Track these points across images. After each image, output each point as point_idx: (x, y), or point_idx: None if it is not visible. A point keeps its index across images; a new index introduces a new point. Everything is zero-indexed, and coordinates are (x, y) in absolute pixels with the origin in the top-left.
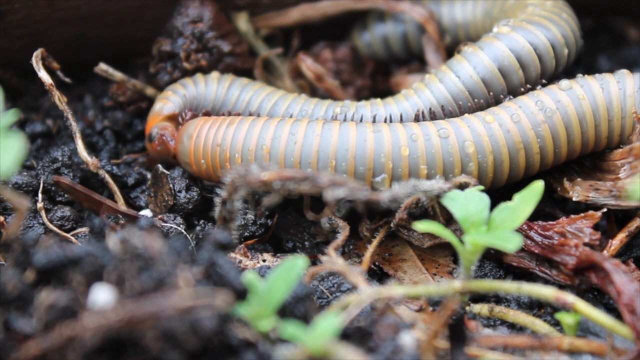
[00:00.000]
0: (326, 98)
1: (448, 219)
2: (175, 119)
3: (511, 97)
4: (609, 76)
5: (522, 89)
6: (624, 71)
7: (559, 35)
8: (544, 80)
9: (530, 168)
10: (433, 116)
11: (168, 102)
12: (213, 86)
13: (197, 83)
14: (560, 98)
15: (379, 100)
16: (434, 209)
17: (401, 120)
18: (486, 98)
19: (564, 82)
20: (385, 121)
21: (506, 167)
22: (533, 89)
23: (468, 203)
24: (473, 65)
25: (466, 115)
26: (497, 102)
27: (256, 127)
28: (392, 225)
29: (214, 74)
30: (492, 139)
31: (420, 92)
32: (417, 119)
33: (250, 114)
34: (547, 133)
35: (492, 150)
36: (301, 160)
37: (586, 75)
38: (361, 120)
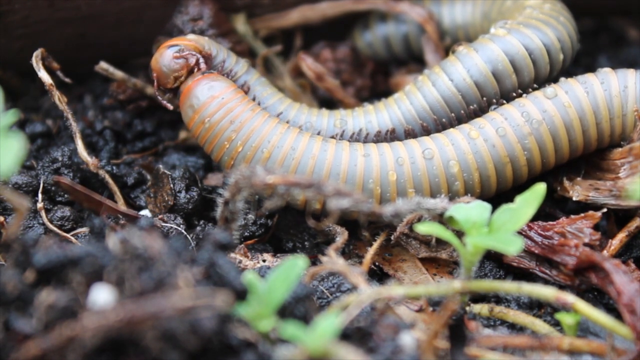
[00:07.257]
0: (326, 99)
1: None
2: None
3: (503, 101)
4: (592, 78)
5: (514, 94)
6: (607, 70)
7: (555, 39)
8: (535, 85)
9: (518, 179)
10: (426, 121)
11: (204, 41)
12: (243, 67)
13: (229, 54)
14: (546, 107)
15: (371, 107)
16: None
17: (393, 132)
18: (478, 101)
19: (549, 90)
20: (377, 134)
21: (493, 181)
22: (524, 93)
23: (470, 206)
24: (467, 68)
25: (451, 130)
26: (489, 104)
27: (266, 128)
28: (392, 238)
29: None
30: (477, 155)
31: (411, 95)
32: (407, 135)
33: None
34: (534, 145)
35: (477, 167)
36: None
37: (569, 79)
38: (358, 134)
